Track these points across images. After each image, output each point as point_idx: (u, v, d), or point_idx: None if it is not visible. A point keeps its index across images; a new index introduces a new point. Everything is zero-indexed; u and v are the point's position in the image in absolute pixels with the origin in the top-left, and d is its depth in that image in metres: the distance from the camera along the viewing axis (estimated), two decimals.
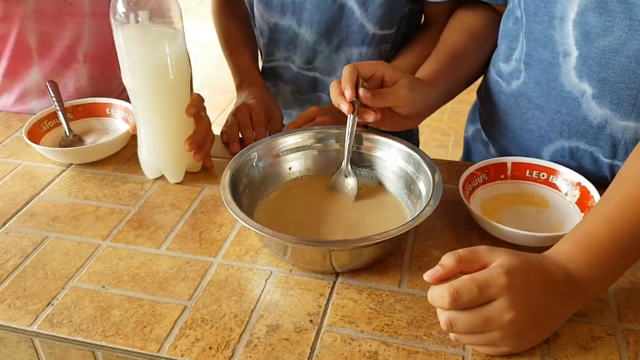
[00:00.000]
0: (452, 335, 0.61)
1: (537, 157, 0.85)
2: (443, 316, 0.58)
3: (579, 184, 0.79)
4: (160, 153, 0.86)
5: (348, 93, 0.75)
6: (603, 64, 0.76)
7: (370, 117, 0.77)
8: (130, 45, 0.78)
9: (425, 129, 2.76)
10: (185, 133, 0.86)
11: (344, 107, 0.75)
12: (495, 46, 0.95)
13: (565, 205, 0.79)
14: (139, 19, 0.75)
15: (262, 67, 1.15)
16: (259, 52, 1.16)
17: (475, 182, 0.81)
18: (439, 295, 0.57)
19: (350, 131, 0.78)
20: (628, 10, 0.71)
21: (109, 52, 1.11)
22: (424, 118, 0.85)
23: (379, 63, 0.79)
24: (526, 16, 0.83)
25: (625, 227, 0.61)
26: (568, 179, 0.80)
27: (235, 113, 0.99)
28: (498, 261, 0.58)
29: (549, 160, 0.83)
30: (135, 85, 0.80)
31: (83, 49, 1.08)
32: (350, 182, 0.80)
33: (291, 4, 1.00)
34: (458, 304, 0.56)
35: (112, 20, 0.76)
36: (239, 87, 1.09)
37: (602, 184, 0.83)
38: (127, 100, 1.02)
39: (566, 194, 0.80)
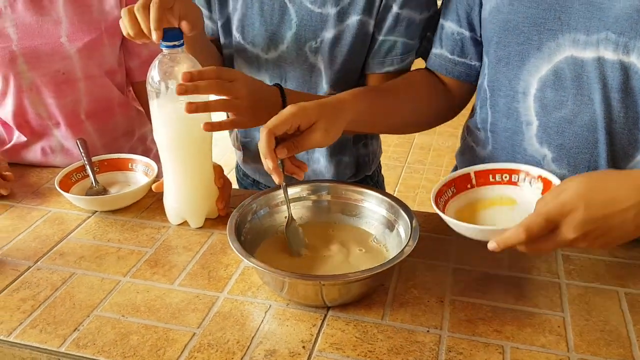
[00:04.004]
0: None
1: None
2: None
3: (539, 176, 0.85)
4: (184, 201, 0.98)
5: (270, 164, 0.81)
6: (560, 132, 0.88)
7: (299, 176, 0.86)
8: (162, 108, 0.90)
9: (422, 189, 2.88)
10: (207, 184, 0.98)
11: (275, 178, 0.83)
12: (435, 104, 1.04)
13: (533, 198, 0.83)
14: (169, 86, 0.88)
15: None
16: None
17: (446, 196, 0.87)
18: (514, 233, 0.68)
19: (286, 195, 0.89)
20: (579, 87, 0.84)
21: (105, 107, 1.27)
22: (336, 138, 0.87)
23: (292, 115, 0.81)
24: (490, 91, 0.96)
25: None
26: (530, 174, 0.86)
27: None
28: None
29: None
30: (166, 141, 0.93)
31: (84, 109, 1.23)
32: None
33: (265, 62, 1.13)
34: (532, 238, 0.68)
35: (148, 87, 0.89)
36: None
37: None
38: (143, 154, 1.15)
39: (530, 187, 0.86)
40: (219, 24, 1.14)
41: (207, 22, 1.15)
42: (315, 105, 0.83)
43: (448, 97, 1.06)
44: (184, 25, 0.88)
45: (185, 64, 0.89)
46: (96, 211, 1.05)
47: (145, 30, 0.86)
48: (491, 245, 0.71)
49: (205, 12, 1.13)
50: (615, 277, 0.86)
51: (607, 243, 0.69)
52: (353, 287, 0.79)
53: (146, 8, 0.85)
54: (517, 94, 0.91)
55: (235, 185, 1.30)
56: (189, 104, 0.85)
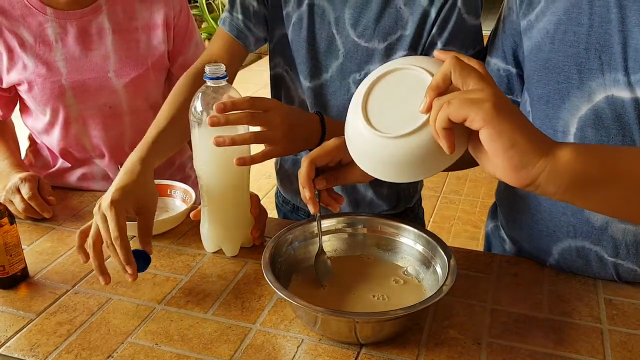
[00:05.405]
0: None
1: (547, 255, 0.93)
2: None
3: None
4: (220, 229, 0.99)
5: (307, 194, 0.82)
6: None
7: (334, 208, 0.86)
8: (203, 138, 0.91)
9: (457, 220, 2.84)
10: (243, 213, 0.99)
11: (310, 208, 0.84)
12: None
13: None
14: None
15: None
16: None
17: None
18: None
19: (319, 226, 0.88)
20: (621, 127, 0.82)
21: None
22: None
23: (336, 148, 0.83)
24: None
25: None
26: None
27: None
28: None
29: (558, 258, 0.90)
30: (205, 170, 0.94)
31: (128, 142, 1.26)
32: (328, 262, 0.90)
33: (307, 89, 1.12)
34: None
35: (190, 117, 0.91)
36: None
37: (610, 280, 0.91)
38: (181, 182, 1.17)
39: None
40: (271, 46, 1.15)
41: (259, 35, 1.14)
42: None
43: None
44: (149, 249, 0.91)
45: (227, 95, 0.90)
46: (134, 236, 1.06)
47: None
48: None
49: (262, 32, 1.14)
50: None
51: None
52: (387, 326, 0.77)
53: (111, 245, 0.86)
54: (556, 133, 0.89)
55: (274, 212, 1.31)
56: (217, 137, 0.86)
